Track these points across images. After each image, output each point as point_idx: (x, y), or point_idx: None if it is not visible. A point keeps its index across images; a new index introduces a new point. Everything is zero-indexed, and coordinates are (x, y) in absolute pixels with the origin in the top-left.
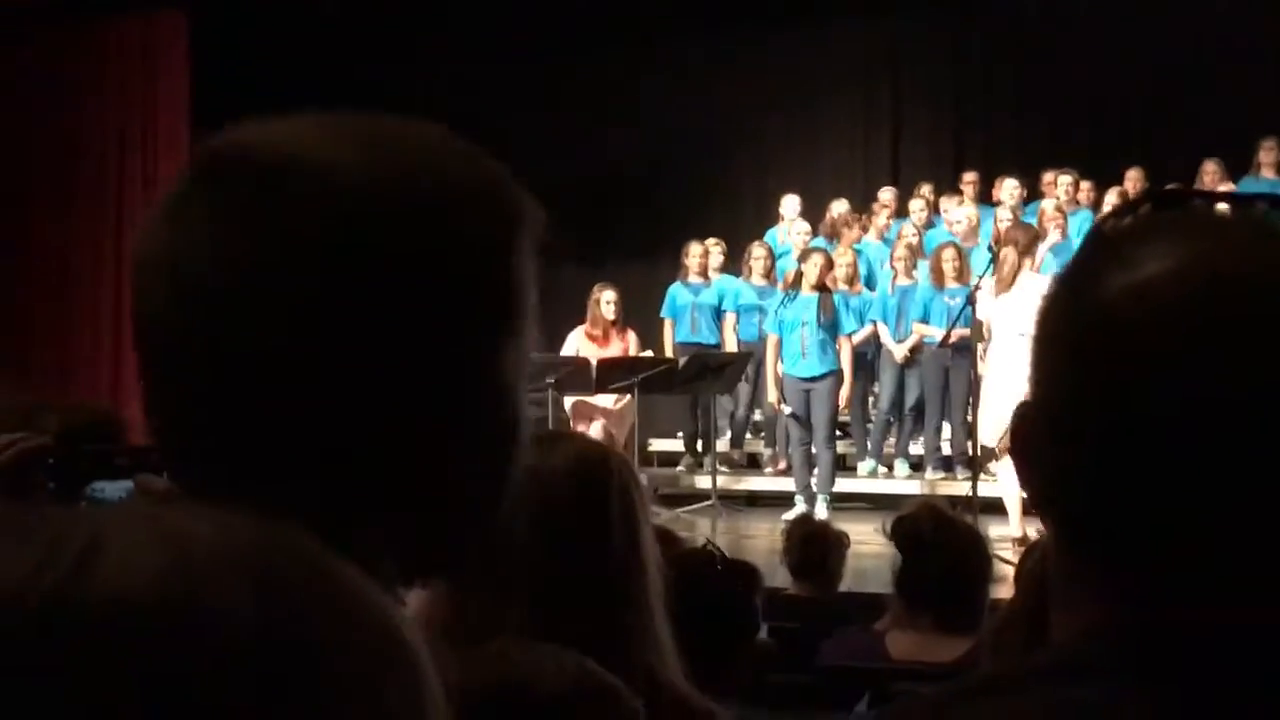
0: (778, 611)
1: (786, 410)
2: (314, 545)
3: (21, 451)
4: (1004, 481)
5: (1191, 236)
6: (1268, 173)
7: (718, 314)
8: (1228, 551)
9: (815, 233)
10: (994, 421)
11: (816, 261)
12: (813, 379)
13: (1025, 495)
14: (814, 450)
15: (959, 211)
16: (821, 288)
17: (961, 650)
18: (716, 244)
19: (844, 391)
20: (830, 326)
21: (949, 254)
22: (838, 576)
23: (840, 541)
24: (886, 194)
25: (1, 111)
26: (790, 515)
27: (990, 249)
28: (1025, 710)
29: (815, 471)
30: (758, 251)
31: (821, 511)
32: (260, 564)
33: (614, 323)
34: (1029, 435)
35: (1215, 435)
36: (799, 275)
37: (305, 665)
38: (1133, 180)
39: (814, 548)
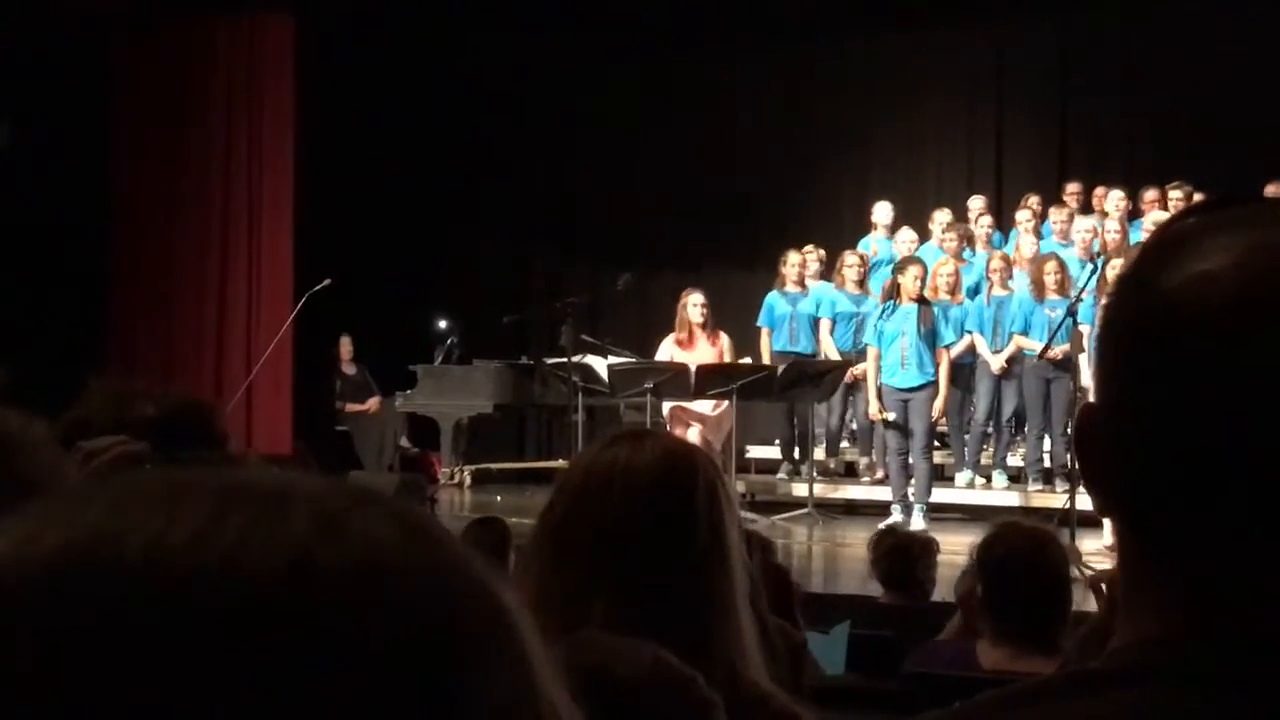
0: (867, 619)
1: (889, 418)
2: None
3: (120, 455)
4: None
5: (1253, 229)
6: None
7: (815, 323)
8: None
9: (921, 241)
10: None
11: (914, 273)
12: (911, 390)
13: (1091, 499)
14: (911, 460)
15: (1084, 221)
16: (920, 299)
17: (1052, 667)
18: (813, 252)
19: (938, 403)
20: (929, 337)
21: (1051, 265)
22: (930, 584)
23: (928, 549)
24: (977, 202)
25: (118, 111)
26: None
27: (1093, 261)
28: (1083, 713)
29: (912, 481)
30: (850, 259)
31: (918, 521)
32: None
33: (702, 325)
34: (1093, 434)
35: None
36: (896, 286)
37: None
38: (1273, 193)
39: (900, 557)
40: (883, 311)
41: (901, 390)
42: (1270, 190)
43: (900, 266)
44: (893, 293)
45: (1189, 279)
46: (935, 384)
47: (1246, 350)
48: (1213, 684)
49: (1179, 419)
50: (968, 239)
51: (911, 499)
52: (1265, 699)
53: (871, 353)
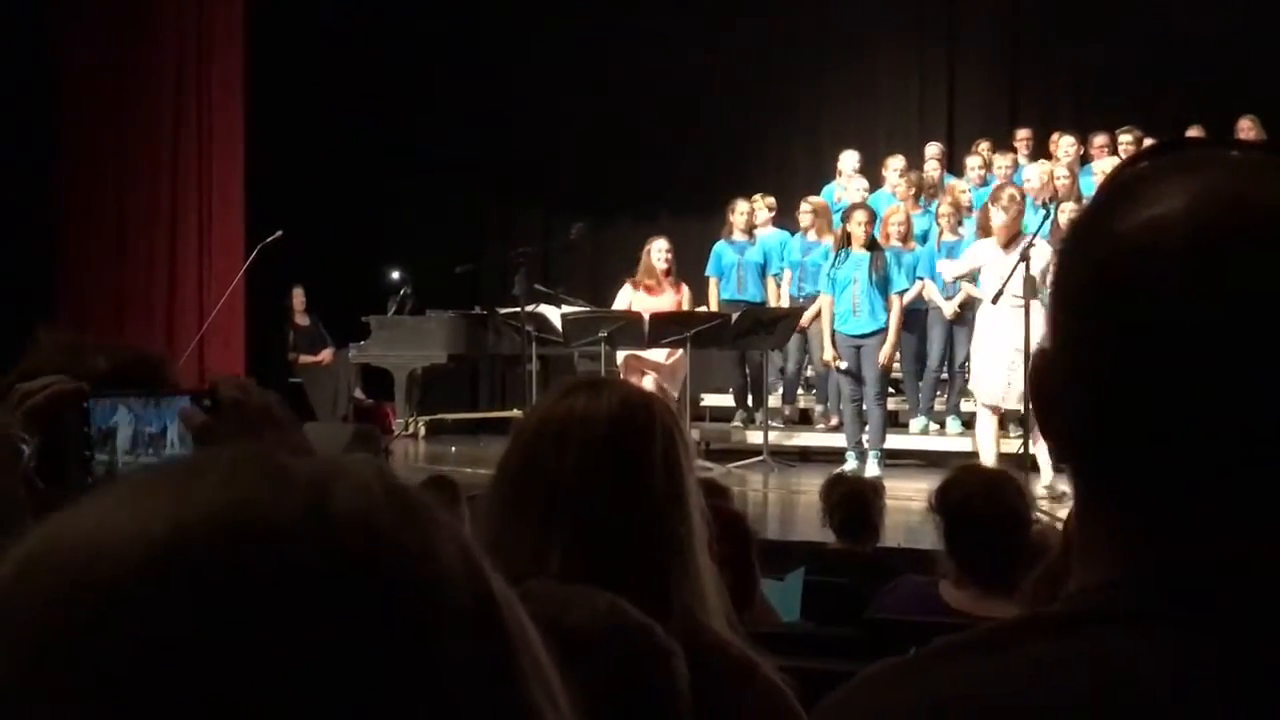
0: (823, 567)
1: (841, 366)
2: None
3: (56, 394)
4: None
5: (1203, 173)
6: None
7: (763, 271)
8: (1251, 488)
9: (873, 189)
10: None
11: (860, 219)
12: (864, 336)
13: (1046, 443)
14: (865, 407)
15: (1033, 169)
16: (872, 244)
17: (1013, 609)
18: (762, 200)
19: (887, 349)
20: (881, 284)
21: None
22: (880, 529)
23: (879, 494)
24: (933, 149)
25: (65, 61)
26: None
27: (1045, 206)
28: (1040, 657)
29: (867, 428)
30: (805, 207)
31: (873, 468)
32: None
33: (667, 273)
34: (1047, 379)
35: (1233, 363)
36: (846, 234)
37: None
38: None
39: (854, 503)
40: (834, 259)
41: (854, 337)
42: (1243, 124)
43: (847, 214)
44: (845, 240)
45: (1141, 224)
46: (887, 330)
47: (1198, 293)
48: (1167, 624)
49: (1131, 362)
50: (920, 186)
51: (866, 445)
52: (1219, 637)
53: (825, 299)
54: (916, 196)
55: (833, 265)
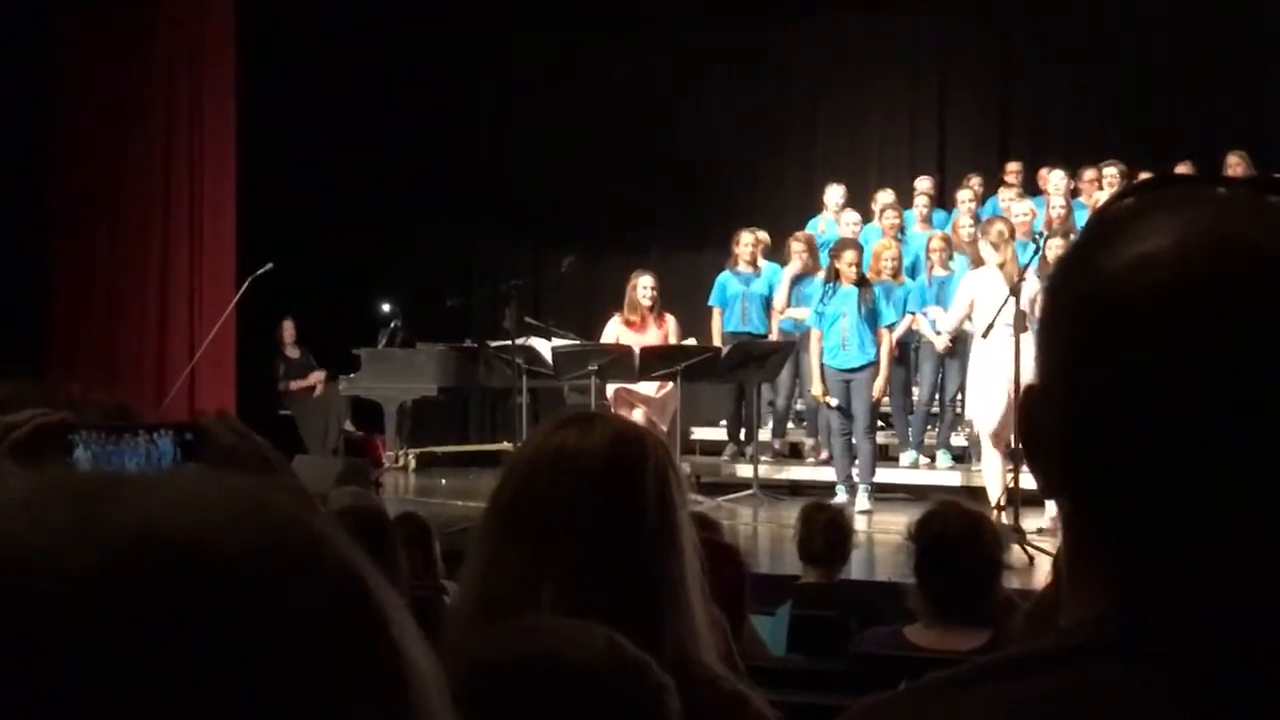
0: (811, 601)
1: (833, 403)
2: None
3: (39, 426)
4: (987, 469)
5: (1190, 210)
6: None
7: (768, 303)
8: (1240, 526)
9: (865, 222)
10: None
11: (849, 259)
12: (853, 370)
13: (1034, 479)
14: (855, 441)
15: (1023, 205)
16: (861, 280)
17: (981, 641)
18: (761, 233)
19: (878, 383)
20: (870, 318)
21: None
22: (847, 559)
23: (851, 521)
24: (924, 183)
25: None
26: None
27: (1035, 240)
28: (1032, 693)
29: (856, 462)
30: (796, 245)
31: (863, 502)
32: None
33: (651, 309)
34: (1035, 415)
35: (1221, 402)
36: (835, 270)
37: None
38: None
39: (836, 531)
40: (823, 294)
41: (843, 371)
42: (1231, 160)
43: (836, 251)
44: (834, 274)
45: (1128, 261)
46: (877, 364)
47: (1185, 332)
48: (1156, 660)
49: (1118, 401)
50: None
51: (856, 480)
52: (1207, 673)
53: (814, 334)
54: (896, 231)
55: (821, 300)
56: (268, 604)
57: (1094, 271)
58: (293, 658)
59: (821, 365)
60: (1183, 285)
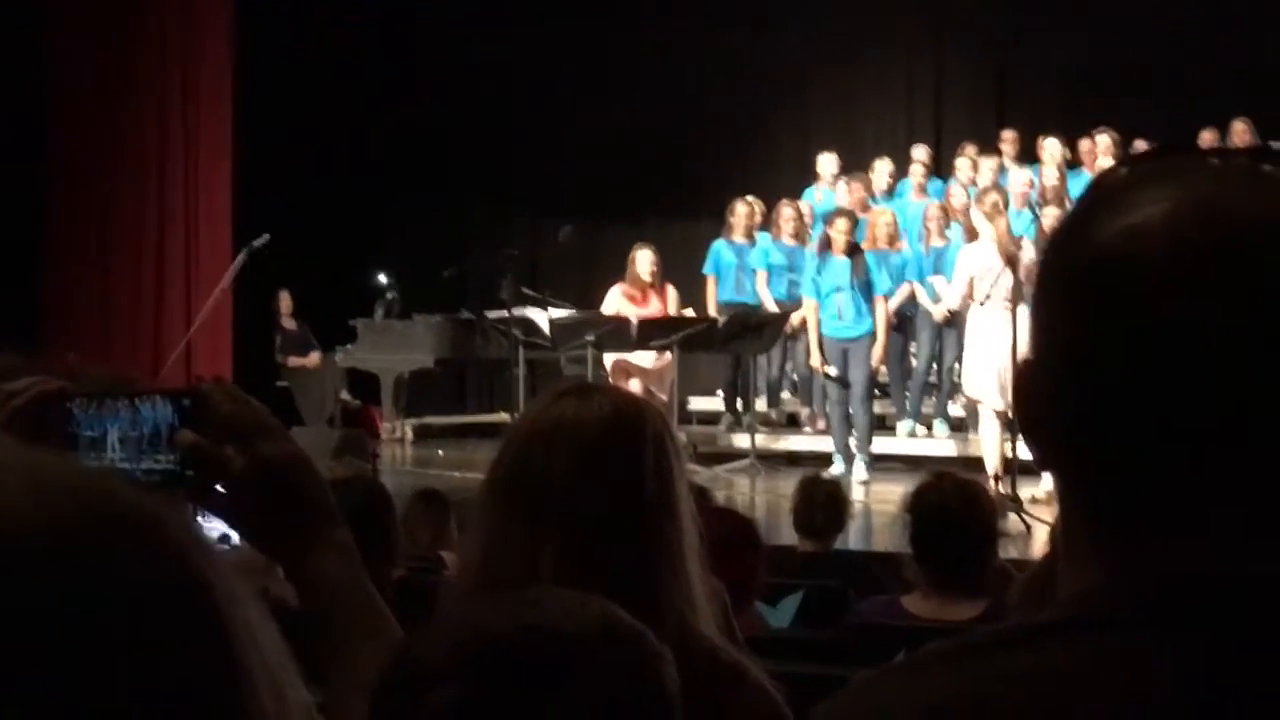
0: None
1: (832, 372)
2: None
3: (39, 394)
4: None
5: (1183, 181)
6: None
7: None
8: (1232, 496)
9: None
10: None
11: (842, 226)
12: (849, 340)
13: (1030, 450)
14: (852, 411)
15: (1021, 174)
16: (853, 249)
17: (978, 610)
18: (755, 203)
19: (877, 351)
20: (864, 288)
21: None
22: (844, 529)
23: (848, 496)
24: (920, 152)
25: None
26: (830, 473)
27: (1032, 209)
28: (1030, 665)
29: (853, 431)
30: (787, 212)
31: (860, 472)
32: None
33: (651, 284)
34: (1030, 386)
35: (1215, 368)
36: (828, 239)
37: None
38: (1207, 141)
39: (832, 503)
40: (818, 265)
41: (840, 341)
42: (1237, 127)
43: (829, 219)
44: (827, 245)
45: (1120, 232)
46: (873, 334)
47: (1176, 303)
48: (1152, 629)
49: (1111, 371)
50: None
51: (853, 449)
52: (1203, 642)
53: (810, 304)
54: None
55: (816, 271)
56: (52, 576)
57: (1086, 243)
58: (78, 631)
59: (820, 335)
60: (1174, 256)
